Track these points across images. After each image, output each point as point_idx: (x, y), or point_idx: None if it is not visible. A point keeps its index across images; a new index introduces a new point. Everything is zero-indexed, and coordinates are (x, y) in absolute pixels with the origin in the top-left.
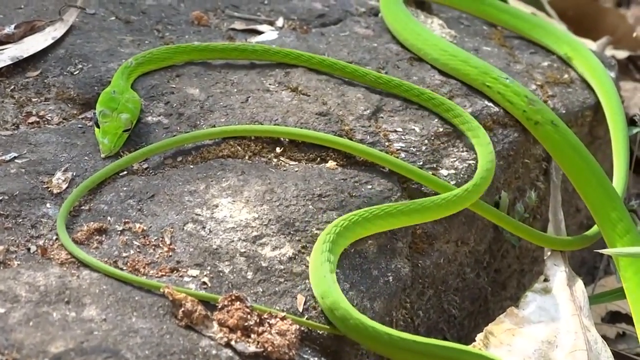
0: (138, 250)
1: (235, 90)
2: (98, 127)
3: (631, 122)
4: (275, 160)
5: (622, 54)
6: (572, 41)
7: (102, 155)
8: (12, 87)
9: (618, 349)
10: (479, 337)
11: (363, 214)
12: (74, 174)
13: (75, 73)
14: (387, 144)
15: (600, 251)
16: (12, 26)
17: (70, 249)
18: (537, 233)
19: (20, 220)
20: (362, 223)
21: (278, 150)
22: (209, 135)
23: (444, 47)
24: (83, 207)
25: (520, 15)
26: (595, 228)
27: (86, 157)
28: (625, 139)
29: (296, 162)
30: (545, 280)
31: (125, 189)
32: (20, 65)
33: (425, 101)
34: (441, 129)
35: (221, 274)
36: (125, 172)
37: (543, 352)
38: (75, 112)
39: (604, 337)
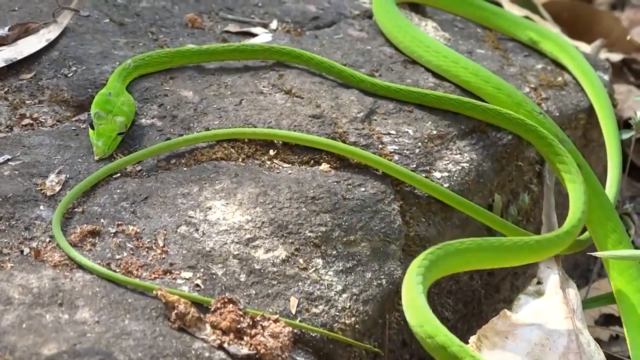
0: (131, 252)
1: (229, 92)
2: (92, 128)
3: (625, 125)
4: (268, 162)
5: (616, 57)
6: (535, 26)
7: (96, 158)
8: (6, 89)
9: (611, 351)
10: (472, 339)
11: (455, 246)
12: (68, 176)
13: (69, 75)
14: (380, 146)
15: (593, 254)
16: (6, 28)
17: (67, 250)
18: (531, 235)
19: (14, 222)
20: (456, 255)
21: (271, 152)
22: (203, 139)
23: (474, 70)
24: (76, 210)
25: (482, 5)
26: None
27: (80, 160)
28: (614, 123)
29: (289, 165)
30: (539, 283)
31: (118, 191)
32: (14, 68)
33: (516, 126)
34: (435, 132)
35: (214, 277)
36: (118, 175)
37: (536, 355)
38: (69, 114)
39: (597, 339)
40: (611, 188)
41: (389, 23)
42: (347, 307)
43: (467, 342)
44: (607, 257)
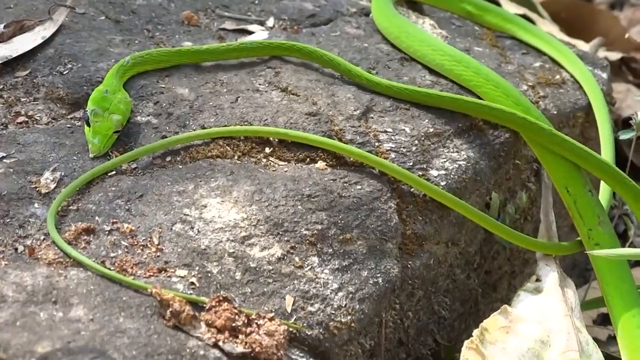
0: (126, 250)
1: (225, 90)
2: (88, 125)
3: (625, 124)
4: (264, 160)
5: (614, 56)
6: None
7: (91, 155)
8: (1, 86)
9: (610, 351)
10: (476, 332)
11: None
12: (63, 173)
13: (64, 73)
14: (377, 144)
15: (591, 252)
16: (1, 25)
17: (61, 246)
18: (529, 239)
19: (8, 220)
20: None
21: (267, 150)
22: (200, 137)
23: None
24: (71, 207)
25: None
26: None
27: (75, 157)
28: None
29: (285, 163)
30: (537, 280)
31: (113, 189)
32: (10, 65)
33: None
34: (432, 130)
35: (209, 275)
36: (113, 172)
37: (536, 351)
38: (64, 112)
39: (595, 339)
40: (605, 188)
41: (389, 21)
42: (343, 305)
43: (464, 341)
44: (600, 258)
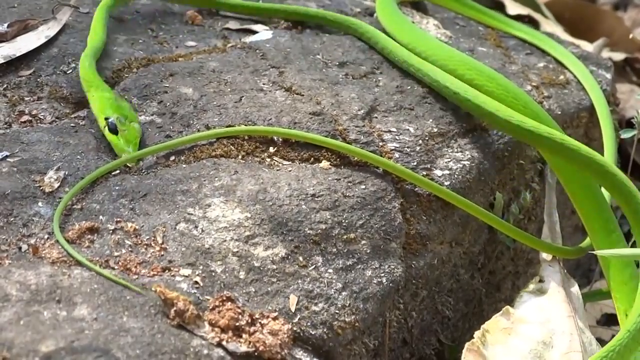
0: (130, 249)
1: (229, 89)
2: (115, 133)
3: (628, 124)
4: (268, 160)
5: (618, 56)
6: None
7: (130, 165)
8: (5, 85)
9: None
10: (477, 334)
11: None
12: (66, 172)
13: (68, 72)
14: (381, 144)
15: (595, 252)
16: (5, 25)
17: (66, 248)
18: (538, 240)
19: (12, 219)
20: None
21: (271, 149)
22: (203, 137)
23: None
24: (75, 206)
25: None
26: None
27: (78, 156)
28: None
29: (289, 162)
30: (541, 281)
31: (117, 188)
32: (13, 64)
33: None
34: (435, 130)
35: (213, 274)
36: (117, 171)
37: (539, 353)
38: (67, 111)
39: (599, 339)
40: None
41: (393, 21)
42: (347, 305)
43: (468, 341)
44: (608, 256)
